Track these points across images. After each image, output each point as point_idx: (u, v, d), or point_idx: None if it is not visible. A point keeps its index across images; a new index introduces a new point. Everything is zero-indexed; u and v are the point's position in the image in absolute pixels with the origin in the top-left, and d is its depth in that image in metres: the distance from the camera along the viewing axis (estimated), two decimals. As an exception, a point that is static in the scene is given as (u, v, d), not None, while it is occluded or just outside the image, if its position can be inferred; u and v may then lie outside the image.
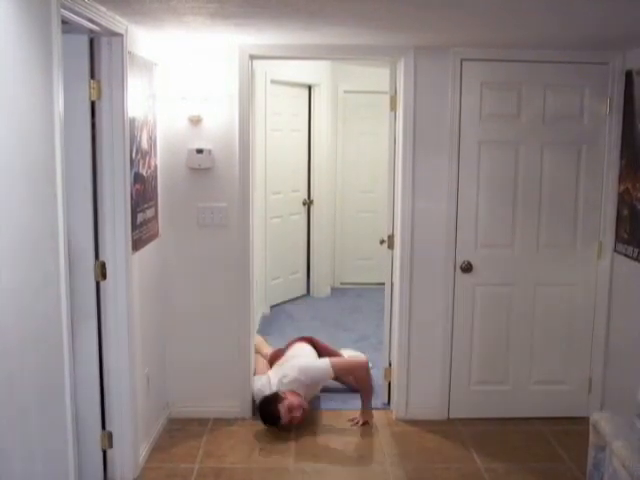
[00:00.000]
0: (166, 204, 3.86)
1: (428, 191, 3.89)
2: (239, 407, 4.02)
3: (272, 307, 6.33)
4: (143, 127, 3.44)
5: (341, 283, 7.24)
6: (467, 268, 3.93)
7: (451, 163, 3.86)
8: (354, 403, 4.25)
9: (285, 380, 3.94)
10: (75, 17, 2.57)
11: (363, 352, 5.19)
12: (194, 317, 3.97)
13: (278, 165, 6.17)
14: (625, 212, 3.77)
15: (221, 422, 3.97)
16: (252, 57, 3.82)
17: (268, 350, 4.62)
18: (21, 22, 2.09)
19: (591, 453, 2.90)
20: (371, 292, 6.80)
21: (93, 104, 3.01)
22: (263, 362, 4.43)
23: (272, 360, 4.40)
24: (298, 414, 3.78)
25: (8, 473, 2.02)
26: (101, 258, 3.12)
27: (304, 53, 3.90)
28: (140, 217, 3.41)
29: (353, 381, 4.25)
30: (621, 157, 3.82)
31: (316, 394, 4.21)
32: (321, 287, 6.92)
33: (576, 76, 3.83)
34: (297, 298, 6.79)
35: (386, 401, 4.24)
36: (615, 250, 3.88)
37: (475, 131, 3.85)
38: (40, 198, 2.25)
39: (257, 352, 4.44)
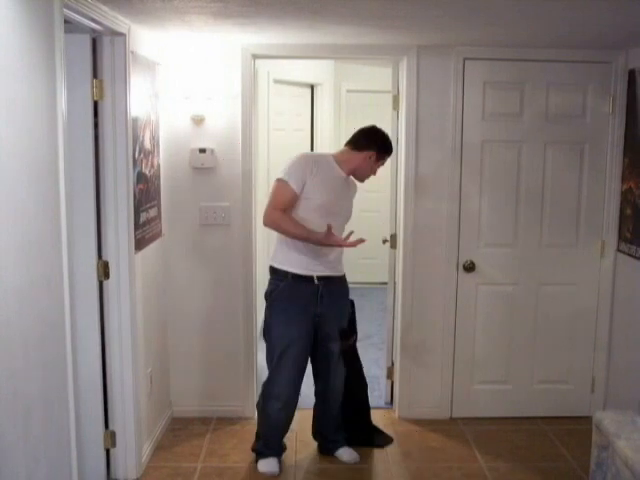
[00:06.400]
0: (169, 203, 3.87)
1: (431, 190, 3.89)
2: (242, 406, 4.03)
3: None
4: (146, 127, 3.44)
5: (344, 282, 7.21)
6: (470, 267, 3.93)
7: (454, 162, 3.85)
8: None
9: None
10: (78, 17, 2.58)
11: (366, 351, 5.19)
12: (197, 316, 3.97)
13: (281, 164, 6.13)
14: (628, 211, 3.76)
15: (224, 421, 3.97)
16: (255, 56, 3.82)
17: None
18: (24, 22, 2.09)
19: (594, 452, 2.89)
20: (374, 291, 6.79)
21: (96, 104, 3.01)
22: None
23: None
24: None
25: (11, 471, 2.02)
26: (104, 257, 3.12)
27: (307, 52, 3.90)
28: (143, 216, 3.42)
29: None
30: (624, 156, 3.81)
31: None
32: (324, 286, 6.89)
33: (579, 75, 3.83)
34: (300, 297, 6.76)
35: (389, 400, 4.24)
36: (618, 249, 3.88)
37: (478, 130, 3.85)
38: (43, 197, 2.26)
39: None
